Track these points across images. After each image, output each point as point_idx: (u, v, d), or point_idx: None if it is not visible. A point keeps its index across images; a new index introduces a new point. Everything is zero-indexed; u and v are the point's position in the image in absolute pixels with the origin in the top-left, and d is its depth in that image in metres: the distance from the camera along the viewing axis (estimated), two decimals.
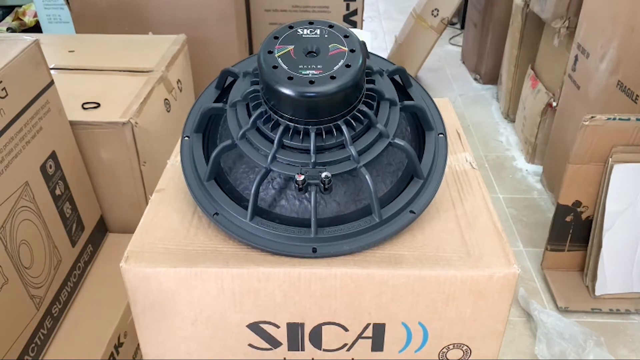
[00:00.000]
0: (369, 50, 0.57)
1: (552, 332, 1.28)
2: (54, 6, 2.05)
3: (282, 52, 0.50)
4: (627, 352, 1.29)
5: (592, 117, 1.23)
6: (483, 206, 0.57)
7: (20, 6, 2.56)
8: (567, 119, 1.65)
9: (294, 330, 0.55)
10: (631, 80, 1.32)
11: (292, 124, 0.50)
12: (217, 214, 0.54)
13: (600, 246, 1.32)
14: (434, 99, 0.61)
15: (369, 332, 0.55)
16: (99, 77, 1.10)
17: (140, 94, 1.01)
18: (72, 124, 0.94)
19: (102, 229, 1.05)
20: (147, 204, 0.58)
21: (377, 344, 0.56)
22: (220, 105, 0.57)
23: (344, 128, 0.50)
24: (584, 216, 1.36)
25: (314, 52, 0.51)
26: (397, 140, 0.52)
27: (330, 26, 0.53)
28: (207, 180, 0.55)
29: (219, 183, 0.56)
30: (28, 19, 2.52)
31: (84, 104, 0.98)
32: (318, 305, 0.53)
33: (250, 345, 0.56)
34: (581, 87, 1.56)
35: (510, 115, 2.24)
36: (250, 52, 1.76)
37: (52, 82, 0.88)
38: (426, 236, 0.54)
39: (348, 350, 0.56)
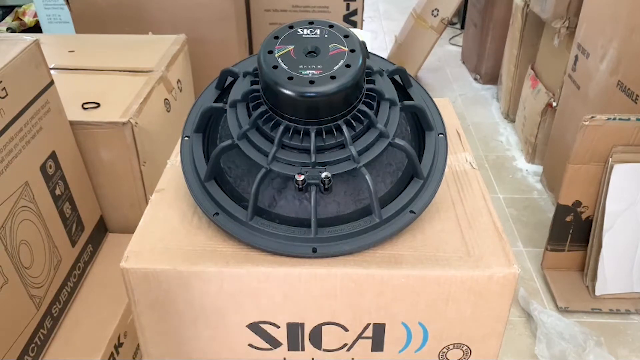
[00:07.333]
0: (369, 50, 0.57)
1: (552, 332, 1.28)
2: (54, 6, 2.06)
3: (282, 52, 0.50)
4: (627, 352, 1.29)
5: (592, 117, 1.23)
6: (483, 206, 0.57)
7: (20, 6, 2.57)
8: (567, 119, 1.65)
9: (294, 330, 0.55)
10: (631, 80, 1.32)
11: (292, 124, 0.50)
12: (217, 214, 0.53)
13: (600, 246, 1.32)
14: (434, 99, 0.61)
15: (369, 332, 0.55)
16: (99, 77, 1.09)
17: (140, 94, 1.01)
18: (72, 124, 0.94)
19: (102, 229, 1.05)
20: (147, 204, 0.58)
21: (377, 344, 0.56)
22: (220, 105, 0.57)
23: (344, 128, 0.50)
24: (584, 216, 1.36)
25: (314, 52, 0.51)
26: (397, 140, 0.52)
27: (330, 26, 0.53)
28: (207, 180, 0.55)
29: (219, 183, 0.56)
30: (28, 19, 2.53)
31: (84, 104, 0.98)
32: (318, 305, 0.53)
33: (250, 345, 0.56)
34: (581, 87, 1.56)
35: (510, 115, 2.24)
36: (250, 52, 1.76)
37: (52, 82, 0.88)
38: (426, 236, 0.54)
39: (348, 350, 0.56)
